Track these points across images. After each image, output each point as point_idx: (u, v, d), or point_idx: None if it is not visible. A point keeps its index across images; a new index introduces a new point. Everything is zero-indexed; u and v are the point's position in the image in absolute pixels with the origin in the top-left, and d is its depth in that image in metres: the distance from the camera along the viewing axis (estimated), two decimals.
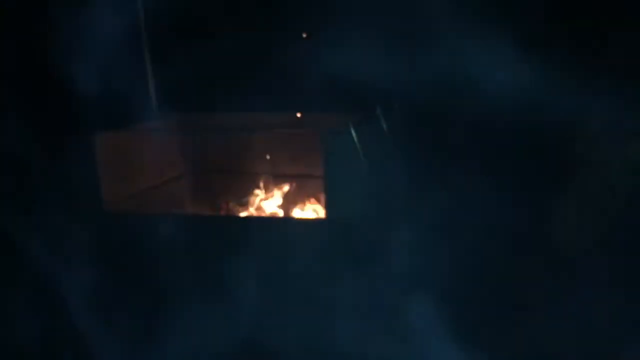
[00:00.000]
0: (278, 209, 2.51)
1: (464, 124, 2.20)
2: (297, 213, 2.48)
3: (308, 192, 2.52)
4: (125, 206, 2.38)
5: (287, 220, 2.42)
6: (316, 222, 2.34)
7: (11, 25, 2.35)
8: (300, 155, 2.49)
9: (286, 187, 2.55)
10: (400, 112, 2.26)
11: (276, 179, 2.57)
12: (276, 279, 2.12)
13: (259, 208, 2.53)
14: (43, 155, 2.31)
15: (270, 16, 2.43)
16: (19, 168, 2.32)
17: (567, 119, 2.04)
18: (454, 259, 2.08)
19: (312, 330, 2.03)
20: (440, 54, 2.10)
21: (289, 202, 2.53)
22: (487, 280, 2.06)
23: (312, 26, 2.39)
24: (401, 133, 2.26)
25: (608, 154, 2.04)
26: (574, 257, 2.04)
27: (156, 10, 2.54)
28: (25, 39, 2.38)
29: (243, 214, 2.51)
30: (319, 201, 2.46)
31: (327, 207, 2.14)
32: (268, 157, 2.57)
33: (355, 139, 2.15)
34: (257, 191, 2.57)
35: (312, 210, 2.48)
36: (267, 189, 2.57)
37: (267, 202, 2.54)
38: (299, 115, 2.46)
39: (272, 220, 2.43)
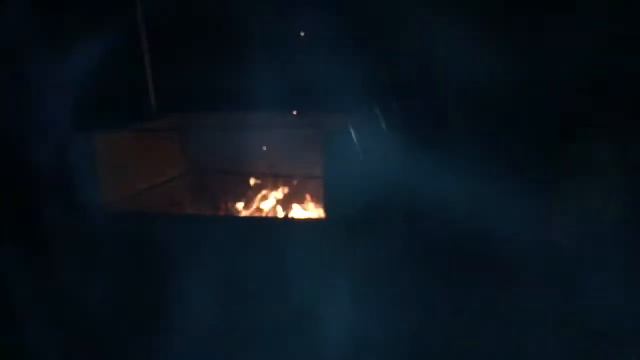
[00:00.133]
0: (278, 209, 2.51)
1: (463, 119, 2.20)
2: (297, 213, 2.48)
3: (308, 192, 2.52)
4: (125, 206, 2.38)
5: (287, 220, 2.41)
6: (316, 222, 2.34)
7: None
8: (300, 155, 2.49)
9: (286, 187, 2.55)
10: (400, 112, 2.26)
11: (276, 179, 2.57)
12: (276, 279, 2.12)
13: (258, 208, 2.53)
14: (43, 156, 2.31)
15: (270, 16, 2.43)
16: (19, 168, 2.32)
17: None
18: (454, 258, 2.08)
19: (312, 330, 2.04)
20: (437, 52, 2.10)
21: (288, 202, 2.53)
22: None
23: (312, 26, 2.39)
24: (401, 133, 2.26)
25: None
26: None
27: (156, 11, 2.54)
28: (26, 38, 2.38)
29: (243, 214, 2.51)
30: (318, 201, 2.46)
31: (327, 207, 2.14)
32: (267, 153, 2.57)
33: (355, 139, 2.15)
34: (256, 191, 2.57)
35: (311, 210, 2.48)
36: (267, 189, 2.56)
37: (267, 202, 2.53)
38: (298, 115, 2.46)
39: (272, 220, 2.43)
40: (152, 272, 2.22)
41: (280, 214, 2.49)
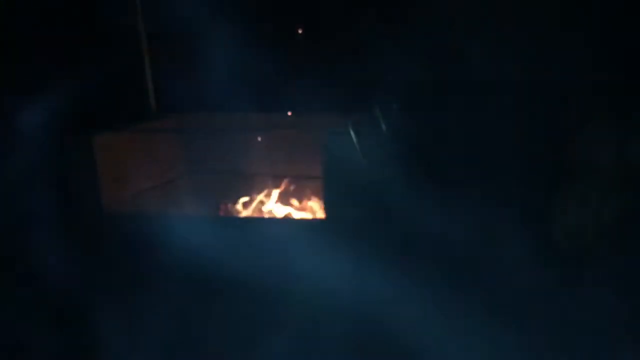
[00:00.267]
0: (277, 209, 2.51)
1: (462, 123, 2.20)
2: (297, 213, 2.48)
3: (307, 192, 2.52)
4: (125, 207, 2.38)
5: (287, 220, 2.41)
6: (315, 222, 2.34)
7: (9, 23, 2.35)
8: (300, 155, 2.49)
9: (286, 188, 2.55)
10: (400, 112, 2.26)
11: (276, 179, 2.57)
12: (276, 278, 2.12)
13: (258, 208, 2.53)
14: (42, 156, 2.31)
15: (270, 16, 2.43)
16: (18, 168, 2.32)
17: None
18: (453, 258, 2.08)
19: (312, 330, 2.04)
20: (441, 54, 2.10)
21: (288, 202, 2.53)
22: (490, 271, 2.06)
23: (312, 26, 2.39)
24: (400, 133, 2.26)
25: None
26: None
27: (155, 10, 2.54)
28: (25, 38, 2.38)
29: (243, 214, 2.51)
30: (318, 201, 2.46)
31: (326, 207, 2.14)
32: (267, 153, 2.57)
33: (355, 139, 2.15)
34: (256, 191, 2.57)
35: (311, 211, 2.48)
36: (267, 190, 2.56)
37: (267, 203, 2.54)
38: (297, 115, 2.46)
39: (271, 220, 2.43)
40: (152, 272, 2.22)
41: (280, 214, 2.49)
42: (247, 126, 2.57)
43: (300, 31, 2.41)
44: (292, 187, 2.55)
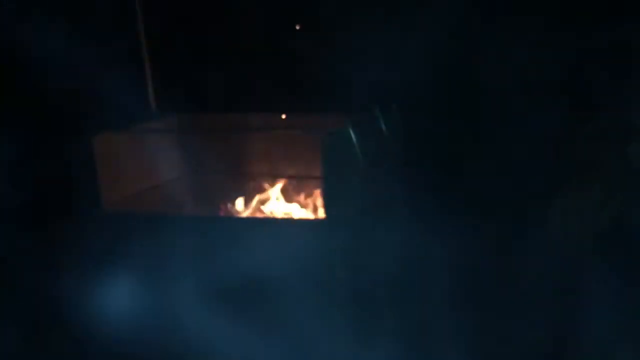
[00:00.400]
0: (277, 209, 2.51)
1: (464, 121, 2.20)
2: (297, 213, 2.48)
3: (307, 192, 2.52)
4: (125, 207, 2.38)
5: (286, 220, 2.41)
6: (315, 222, 2.34)
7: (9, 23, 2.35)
8: (300, 156, 2.49)
9: (285, 188, 2.55)
10: (400, 112, 2.26)
11: (275, 180, 2.57)
12: (275, 278, 2.12)
13: (258, 208, 2.53)
14: (42, 156, 2.31)
15: (269, 16, 2.43)
16: (18, 168, 2.32)
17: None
18: (453, 257, 2.08)
19: (311, 330, 2.04)
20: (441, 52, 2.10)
21: (288, 202, 2.53)
22: (482, 280, 2.06)
23: (312, 26, 2.39)
24: (400, 133, 2.26)
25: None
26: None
27: (155, 10, 2.54)
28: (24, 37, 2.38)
29: (243, 214, 2.51)
30: (317, 201, 2.46)
31: (326, 208, 2.14)
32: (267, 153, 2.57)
33: (354, 139, 2.15)
34: (256, 191, 2.57)
35: (311, 211, 2.48)
36: (267, 190, 2.56)
37: (267, 203, 2.54)
38: (297, 115, 2.46)
39: (271, 220, 2.43)
40: (151, 272, 2.22)
41: (280, 214, 2.49)
42: (246, 126, 2.56)
43: (299, 30, 2.41)
44: (291, 187, 2.55)
